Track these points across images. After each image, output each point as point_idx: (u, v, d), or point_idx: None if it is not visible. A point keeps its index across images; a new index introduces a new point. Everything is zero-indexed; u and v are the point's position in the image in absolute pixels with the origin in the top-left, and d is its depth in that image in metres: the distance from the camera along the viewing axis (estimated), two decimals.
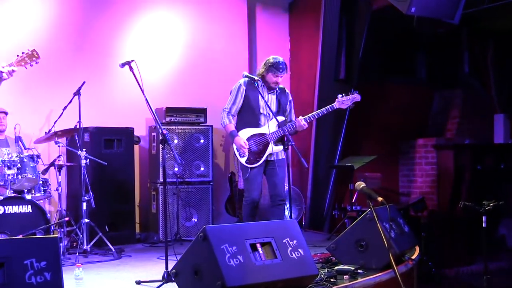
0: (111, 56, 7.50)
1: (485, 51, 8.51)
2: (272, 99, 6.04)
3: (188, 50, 8.11)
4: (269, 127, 5.96)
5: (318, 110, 5.98)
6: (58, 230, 6.04)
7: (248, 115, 5.97)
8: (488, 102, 8.52)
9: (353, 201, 7.19)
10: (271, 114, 5.92)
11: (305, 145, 8.09)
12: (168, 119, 7.28)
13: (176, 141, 7.25)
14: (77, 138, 6.31)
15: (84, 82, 6.48)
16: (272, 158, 5.98)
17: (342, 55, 7.83)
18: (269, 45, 8.75)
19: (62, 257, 5.45)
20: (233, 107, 6.00)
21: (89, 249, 6.00)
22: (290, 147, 5.71)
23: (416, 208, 7.70)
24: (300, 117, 5.95)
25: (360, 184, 4.23)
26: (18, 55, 5.09)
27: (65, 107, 6.50)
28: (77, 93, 6.43)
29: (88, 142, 6.83)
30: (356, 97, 6.02)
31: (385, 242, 4.36)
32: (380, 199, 3.99)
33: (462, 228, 7.58)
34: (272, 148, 5.93)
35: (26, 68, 5.18)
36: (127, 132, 7.13)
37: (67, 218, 6.08)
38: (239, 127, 5.97)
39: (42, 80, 7.06)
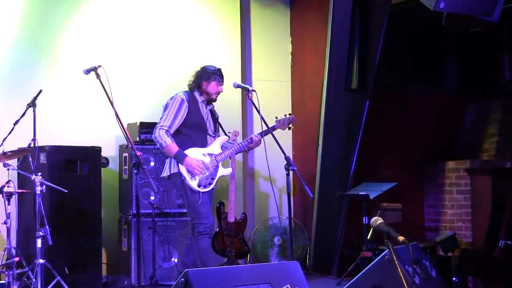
0: (74, 59, 7.50)
1: None
2: (209, 117, 6.47)
3: (167, 53, 8.12)
4: (214, 147, 6.37)
5: (265, 129, 6.28)
6: (6, 273, 5.99)
7: (195, 134, 6.32)
8: None
9: (368, 237, 7.17)
10: (213, 133, 6.44)
11: (310, 170, 8.09)
12: (143, 136, 7.26)
13: (152, 163, 7.22)
14: (31, 160, 6.28)
15: (40, 91, 6.46)
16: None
17: (355, 59, 7.84)
18: (267, 47, 8.79)
19: None
20: (173, 124, 6.26)
21: None
22: (291, 172, 5.72)
23: (445, 247, 7.66)
24: (255, 134, 6.43)
25: (377, 220, 4.21)
26: None
27: (17, 122, 6.47)
28: (32, 104, 6.41)
29: (44, 164, 6.80)
30: (293, 120, 6.60)
31: None
32: (401, 238, 3.97)
33: (502, 271, 7.55)
34: (221, 170, 6.40)
35: None
36: (93, 152, 7.10)
37: (17, 258, 6.03)
38: (183, 147, 6.22)
39: None
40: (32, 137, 6.32)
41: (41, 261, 6.00)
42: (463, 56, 9.07)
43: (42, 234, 6.02)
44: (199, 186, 6.17)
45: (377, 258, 4.87)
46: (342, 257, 7.94)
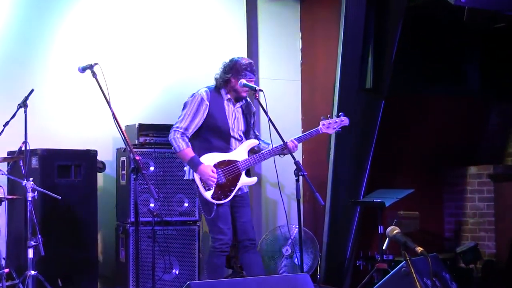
0: (69, 57, 7.51)
1: None
2: (238, 115, 6.15)
3: (167, 50, 8.11)
4: (240, 152, 6.06)
5: (302, 134, 6.16)
6: None
7: (214, 137, 6.02)
8: None
9: (383, 248, 7.12)
10: (242, 135, 6.10)
11: (321, 175, 8.07)
12: (142, 139, 7.26)
13: (152, 168, 7.22)
14: (22, 164, 6.28)
15: (32, 90, 6.46)
16: (238, 193, 6.08)
17: (370, 57, 7.83)
18: (275, 44, 8.77)
19: None
20: (190, 126, 6.00)
21: None
22: (301, 178, 5.70)
23: (467, 259, 7.65)
24: (292, 139, 6.07)
25: (394, 230, 4.19)
26: None
27: (7, 123, 6.47)
28: (23, 104, 6.41)
29: (36, 169, 6.81)
30: (344, 121, 6.30)
31: None
32: (419, 249, 3.95)
33: None
34: (244, 179, 6.04)
35: None
36: (88, 156, 7.10)
37: (7, 270, 6.03)
38: (200, 152, 5.98)
39: None
40: (23, 139, 6.32)
41: (33, 272, 5.99)
42: (486, 54, 9.03)
43: (33, 243, 6.02)
44: (213, 197, 5.91)
45: (393, 271, 4.86)
46: (355, 269, 7.92)
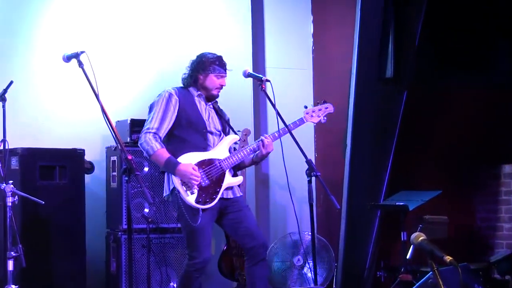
0: (53, 45, 7.51)
1: None
2: (212, 114, 6.15)
3: (162, 38, 8.12)
4: (220, 150, 6.05)
5: (284, 126, 6.01)
6: None
7: (190, 134, 6.00)
8: None
9: (407, 257, 7.13)
10: (221, 132, 6.12)
11: (336, 176, 8.07)
12: (134, 136, 7.24)
13: (146, 169, 7.22)
14: (0, 165, 6.27)
15: (11, 82, 6.45)
16: (229, 196, 6.04)
17: (390, 43, 7.82)
18: (283, 28, 8.76)
19: None
20: (162, 126, 5.95)
21: None
22: (313, 178, 5.68)
23: (502, 269, 7.62)
24: (265, 135, 6.07)
25: (419, 237, 4.19)
26: None
27: None
28: (1, 98, 6.40)
29: (17, 171, 6.81)
30: (329, 108, 6.35)
31: None
32: (448, 258, 3.95)
33: None
34: (229, 180, 6.00)
35: None
36: (75, 156, 7.10)
37: None
38: (176, 154, 5.92)
39: None
40: (2, 137, 6.32)
41: (13, 286, 5.99)
42: None
43: (14, 254, 6.01)
44: (197, 202, 5.82)
45: (419, 283, 4.85)
46: (375, 281, 7.94)
